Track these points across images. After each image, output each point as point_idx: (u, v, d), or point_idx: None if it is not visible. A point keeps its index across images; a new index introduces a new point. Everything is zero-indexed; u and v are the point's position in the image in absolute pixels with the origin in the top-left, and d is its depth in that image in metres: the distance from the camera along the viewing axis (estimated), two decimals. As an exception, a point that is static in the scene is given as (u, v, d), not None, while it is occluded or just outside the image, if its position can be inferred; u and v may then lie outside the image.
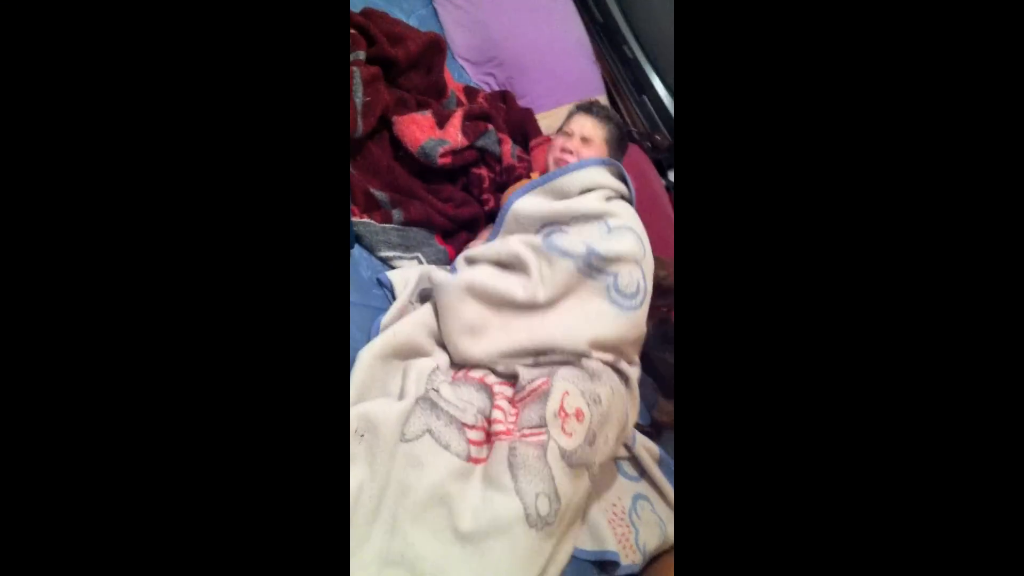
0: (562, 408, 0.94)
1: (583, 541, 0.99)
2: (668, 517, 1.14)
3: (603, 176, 1.20)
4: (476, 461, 0.92)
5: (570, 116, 1.39)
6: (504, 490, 0.86)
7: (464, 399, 0.99)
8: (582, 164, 1.22)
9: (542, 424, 0.92)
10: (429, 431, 0.91)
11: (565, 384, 0.97)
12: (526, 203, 1.20)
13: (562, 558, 0.92)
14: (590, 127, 1.33)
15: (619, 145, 1.37)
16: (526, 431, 0.93)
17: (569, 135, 1.33)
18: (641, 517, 1.09)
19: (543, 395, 0.96)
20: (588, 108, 1.38)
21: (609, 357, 1.06)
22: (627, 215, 1.17)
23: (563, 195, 1.20)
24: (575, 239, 1.12)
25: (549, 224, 1.17)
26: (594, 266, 1.08)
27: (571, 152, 1.30)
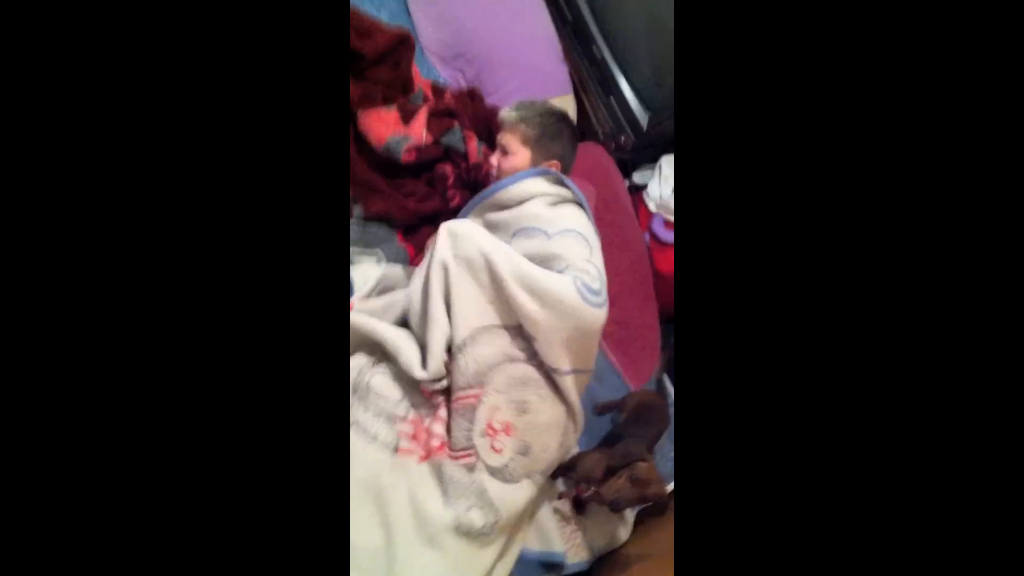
0: (490, 426, 0.96)
1: (530, 541, 1.01)
2: (616, 514, 1.16)
3: (540, 185, 1.16)
4: (405, 452, 0.93)
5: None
6: (434, 500, 0.88)
7: (397, 392, 0.98)
8: (517, 177, 1.17)
9: (470, 445, 0.94)
10: (356, 422, 0.93)
11: (495, 398, 0.97)
12: (463, 225, 1.14)
13: (509, 561, 0.95)
14: (506, 137, 1.25)
15: (543, 138, 1.23)
16: (456, 452, 0.94)
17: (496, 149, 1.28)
18: (588, 516, 1.12)
19: (471, 409, 0.96)
20: (502, 119, 1.29)
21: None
22: (569, 219, 1.13)
23: (502, 208, 1.17)
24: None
25: None
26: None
27: (493, 167, 1.26)
